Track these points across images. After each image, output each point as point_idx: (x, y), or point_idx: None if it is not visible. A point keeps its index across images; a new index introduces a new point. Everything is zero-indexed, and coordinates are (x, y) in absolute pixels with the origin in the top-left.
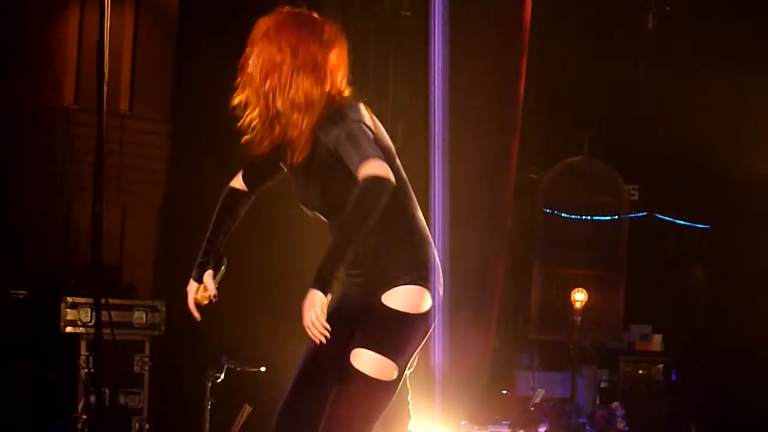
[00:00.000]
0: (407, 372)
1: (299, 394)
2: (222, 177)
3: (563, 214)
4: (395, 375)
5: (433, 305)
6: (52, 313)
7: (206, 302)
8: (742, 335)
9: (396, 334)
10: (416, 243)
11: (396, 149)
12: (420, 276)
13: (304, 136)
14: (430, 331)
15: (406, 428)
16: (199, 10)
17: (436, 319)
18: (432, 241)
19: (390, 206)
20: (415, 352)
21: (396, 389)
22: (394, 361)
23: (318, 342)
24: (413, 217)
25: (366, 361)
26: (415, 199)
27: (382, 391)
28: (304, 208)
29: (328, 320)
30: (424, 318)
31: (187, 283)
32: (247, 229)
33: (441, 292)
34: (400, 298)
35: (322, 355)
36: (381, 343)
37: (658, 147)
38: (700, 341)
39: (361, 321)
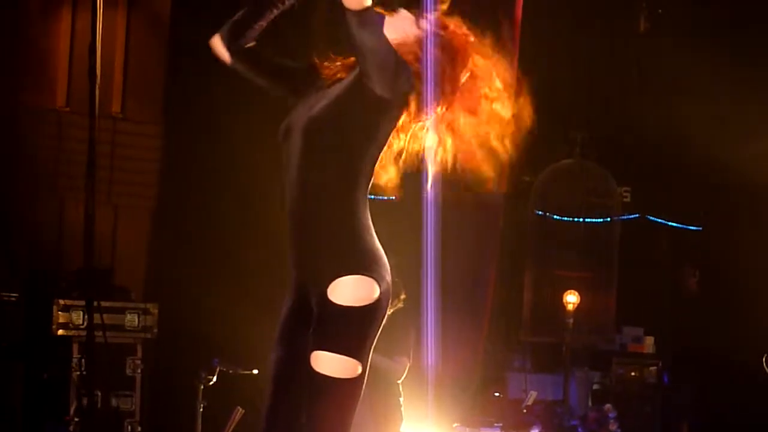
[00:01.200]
0: (400, 380)
1: (280, 400)
2: (214, 179)
3: (555, 216)
4: (359, 370)
5: (381, 293)
6: (44, 316)
7: None
8: (734, 337)
9: (350, 331)
10: (356, 232)
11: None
12: (361, 265)
13: None
14: (385, 316)
15: (399, 430)
16: (191, 12)
17: (428, 321)
18: (373, 233)
19: (333, 197)
20: (373, 341)
21: (364, 381)
22: (354, 357)
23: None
24: (356, 208)
25: (327, 363)
26: (366, 188)
27: (349, 388)
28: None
29: (288, 323)
30: (374, 308)
31: (179, 286)
32: (239, 231)
33: (388, 279)
34: (345, 291)
35: (291, 358)
36: (337, 342)
37: (651, 149)
38: (693, 343)
39: (316, 321)
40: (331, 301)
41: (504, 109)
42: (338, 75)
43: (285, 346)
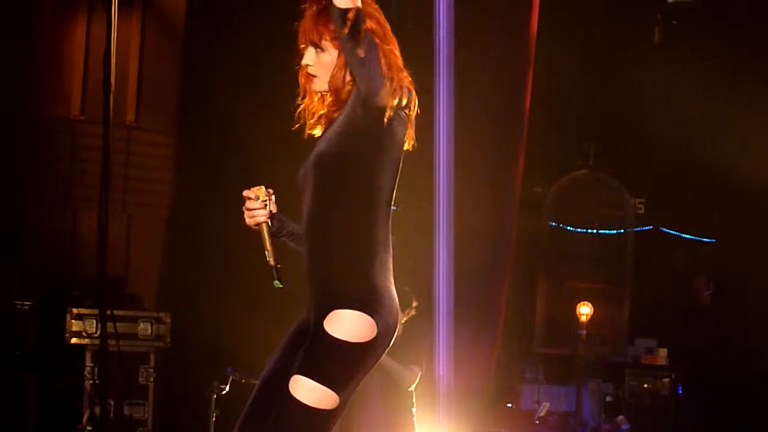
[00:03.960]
0: (411, 388)
1: (256, 409)
2: (227, 189)
3: (569, 228)
4: (336, 404)
5: (379, 334)
6: (58, 324)
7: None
8: (747, 349)
9: (338, 364)
10: (365, 266)
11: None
12: (364, 302)
13: None
14: (379, 359)
15: None
16: (205, 21)
17: (441, 330)
18: (389, 266)
19: (353, 221)
20: (360, 379)
21: (339, 416)
22: (335, 391)
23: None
24: (373, 237)
25: (305, 389)
26: (386, 216)
27: (321, 419)
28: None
29: (289, 338)
30: (369, 348)
31: (191, 294)
32: (252, 241)
33: (390, 321)
34: (342, 325)
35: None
36: (321, 372)
37: (665, 161)
38: (706, 355)
39: (307, 345)
40: (325, 330)
41: None
42: (335, 114)
43: (277, 359)
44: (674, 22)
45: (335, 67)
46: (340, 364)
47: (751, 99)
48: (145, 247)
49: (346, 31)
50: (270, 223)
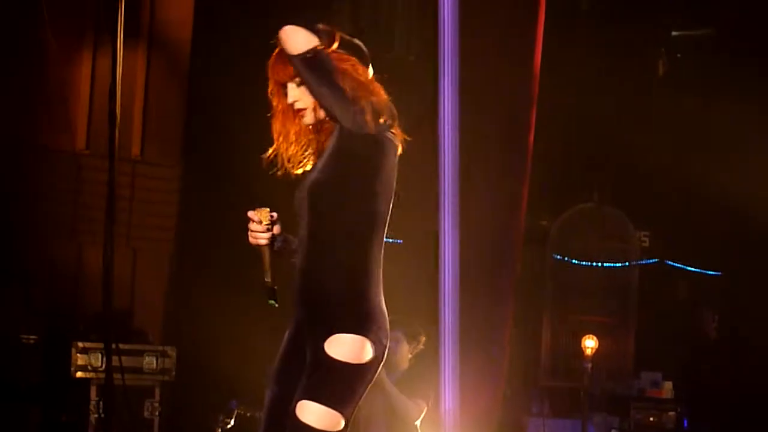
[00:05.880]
0: (417, 422)
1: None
2: (233, 223)
3: (574, 261)
4: (341, 425)
5: (375, 356)
6: (63, 358)
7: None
8: (753, 382)
9: (341, 385)
10: (365, 286)
11: (404, 196)
12: (359, 326)
13: None
14: (374, 378)
15: None
16: (210, 55)
17: (446, 365)
18: (380, 280)
19: (349, 247)
20: (360, 399)
21: None
22: (339, 411)
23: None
24: (370, 259)
25: (311, 413)
26: (383, 236)
27: None
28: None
29: (285, 360)
30: (366, 368)
31: (197, 328)
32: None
33: (384, 339)
34: (341, 347)
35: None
36: (327, 394)
37: (669, 194)
38: (712, 388)
39: (309, 368)
40: (326, 353)
41: None
42: (326, 143)
43: (280, 384)
44: (678, 55)
45: None
46: (344, 386)
47: (757, 132)
48: (151, 280)
49: (306, 72)
50: (273, 245)
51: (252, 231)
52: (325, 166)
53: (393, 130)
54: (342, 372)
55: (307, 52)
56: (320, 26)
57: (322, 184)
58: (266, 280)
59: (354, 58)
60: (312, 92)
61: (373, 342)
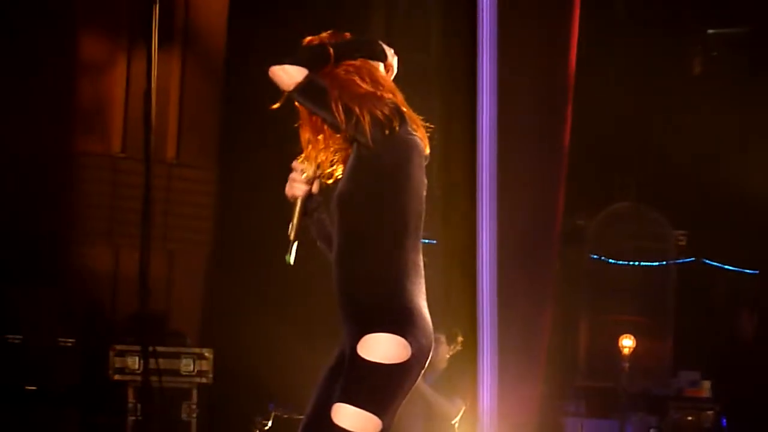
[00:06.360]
0: (455, 421)
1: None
2: (269, 224)
3: (611, 261)
4: (380, 429)
5: (413, 355)
6: (101, 361)
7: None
8: None
9: (376, 387)
10: (399, 288)
11: (442, 195)
12: (396, 324)
13: None
14: (417, 381)
15: None
16: (245, 56)
17: (485, 365)
18: (422, 289)
19: (380, 253)
20: (400, 402)
21: None
22: (376, 414)
23: None
24: (403, 263)
25: (348, 417)
26: (418, 238)
27: None
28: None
29: (327, 370)
30: (404, 369)
31: (234, 330)
32: (295, 276)
33: (424, 342)
34: (375, 347)
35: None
36: (361, 397)
37: (707, 192)
38: (750, 387)
39: (345, 372)
40: (359, 356)
41: None
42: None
43: (317, 392)
44: (714, 53)
45: None
46: (378, 388)
47: None
48: (187, 282)
49: (302, 101)
50: (307, 206)
51: (291, 180)
52: (350, 175)
53: (414, 131)
54: (376, 374)
55: (297, 85)
56: (306, 43)
57: (348, 193)
58: (289, 233)
59: (359, 61)
60: (320, 116)
61: (410, 342)
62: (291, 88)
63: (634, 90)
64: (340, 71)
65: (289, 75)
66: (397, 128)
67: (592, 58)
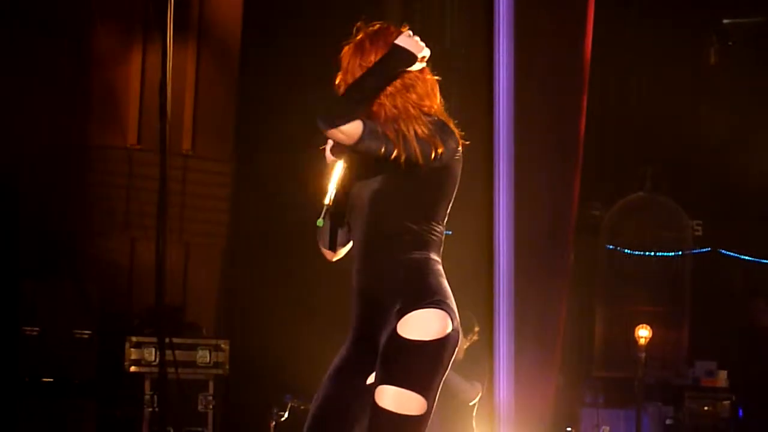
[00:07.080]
0: (473, 402)
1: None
2: (285, 216)
3: (626, 251)
4: (425, 408)
5: (454, 329)
6: (117, 353)
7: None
8: None
9: (419, 366)
10: (426, 272)
11: (459, 185)
12: (433, 300)
13: None
14: (454, 355)
15: None
16: (260, 49)
17: (501, 355)
18: (443, 280)
19: (409, 245)
20: (442, 379)
21: (428, 421)
22: (420, 394)
23: None
24: (430, 255)
25: (392, 398)
26: (440, 238)
27: (413, 426)
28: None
29: (346, 361)
30: (446, 342)
31: (250, 322)
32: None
33: (456, 321)
34: (417, 325)
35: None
36: (405, 377)
37: (722, 182)
38: (766, 377)
39: (383, 356)
40: (401, 336)
41: None
42: None
43: (338, 383)
44: (730, 43)
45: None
46: (421, 366)
47: None
48: (203, 274)
49: (367, 149)
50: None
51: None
52: (389, 177)
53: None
54: (417, 352)
55: (359, 139)
56: (343, 54)
57: (385, 194)
58: (326, 201)
59: (396, 82)
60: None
61: (450, 314)
62: (354, 144)
63: (650, 80)
64: (386, 102)
65: (348, 135)
66: (442, 149)
67: (608, 47)
